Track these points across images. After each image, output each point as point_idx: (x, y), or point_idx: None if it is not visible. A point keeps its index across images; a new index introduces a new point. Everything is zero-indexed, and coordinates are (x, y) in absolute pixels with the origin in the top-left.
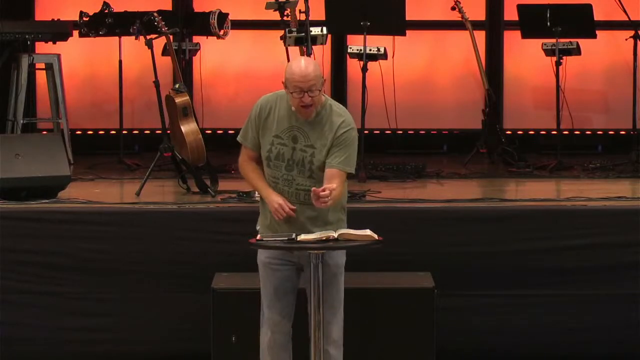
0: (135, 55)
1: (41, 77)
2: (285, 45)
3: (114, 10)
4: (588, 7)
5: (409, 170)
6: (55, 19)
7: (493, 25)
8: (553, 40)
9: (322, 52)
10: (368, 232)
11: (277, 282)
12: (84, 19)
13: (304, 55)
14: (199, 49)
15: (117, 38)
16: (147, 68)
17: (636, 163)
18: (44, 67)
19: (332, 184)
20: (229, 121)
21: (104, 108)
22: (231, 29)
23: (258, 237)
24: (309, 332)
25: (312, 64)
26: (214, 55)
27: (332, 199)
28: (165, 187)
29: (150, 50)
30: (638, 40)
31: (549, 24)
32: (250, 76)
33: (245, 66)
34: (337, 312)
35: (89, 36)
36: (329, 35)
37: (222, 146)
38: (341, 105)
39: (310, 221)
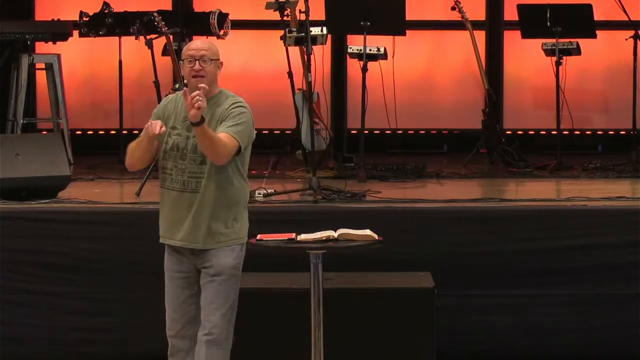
0: (135, 55)
1: (41, 77)
2: (285, 45)
3: (114, 10)
4: (588, 7)
5: (409, 170)
6: (55, 19)
7: (493, 25)
8: (553, 40)
9: (322, 52)
10: (368, 232)
11: (175, 289)
12: (84, 19)
13: (304, 55)
14: None
15: (117, 38)
16: (147, 68)
17: (636, 163)
18: (44, 67)
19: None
20: None
21: (104, 108)
22: (231, 29)
23: (258, 236)
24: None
25: (208, 43)
26: None
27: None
28: None
29: (150, 50)
30: (638, 40)
31: (549, 24)
32: (250, 76)
33: (245, 66)
34: (216, 311)
35: (89, 36)
36: (329, 35)
37: None
38: (238, 97)
39: (196, 210)
